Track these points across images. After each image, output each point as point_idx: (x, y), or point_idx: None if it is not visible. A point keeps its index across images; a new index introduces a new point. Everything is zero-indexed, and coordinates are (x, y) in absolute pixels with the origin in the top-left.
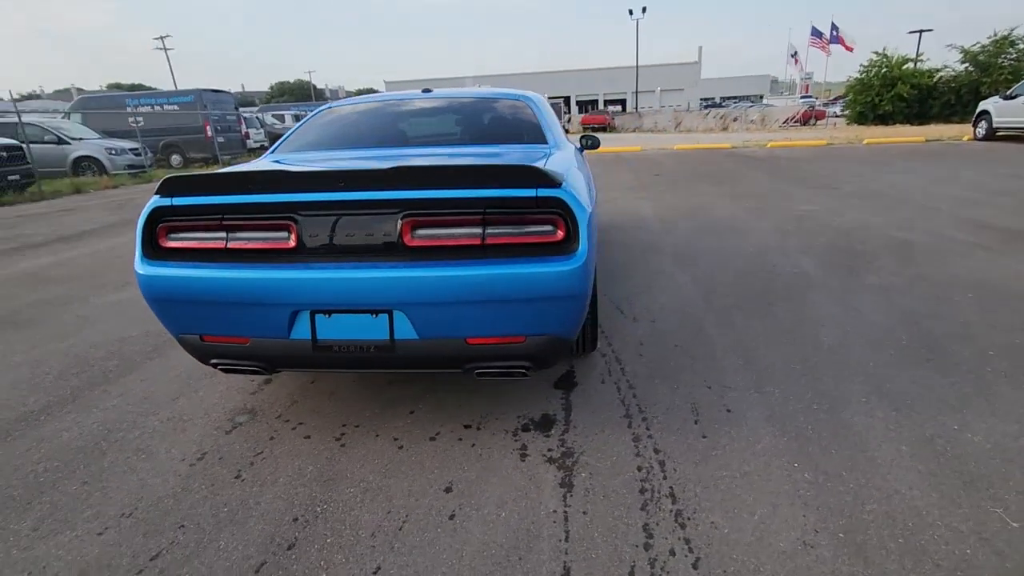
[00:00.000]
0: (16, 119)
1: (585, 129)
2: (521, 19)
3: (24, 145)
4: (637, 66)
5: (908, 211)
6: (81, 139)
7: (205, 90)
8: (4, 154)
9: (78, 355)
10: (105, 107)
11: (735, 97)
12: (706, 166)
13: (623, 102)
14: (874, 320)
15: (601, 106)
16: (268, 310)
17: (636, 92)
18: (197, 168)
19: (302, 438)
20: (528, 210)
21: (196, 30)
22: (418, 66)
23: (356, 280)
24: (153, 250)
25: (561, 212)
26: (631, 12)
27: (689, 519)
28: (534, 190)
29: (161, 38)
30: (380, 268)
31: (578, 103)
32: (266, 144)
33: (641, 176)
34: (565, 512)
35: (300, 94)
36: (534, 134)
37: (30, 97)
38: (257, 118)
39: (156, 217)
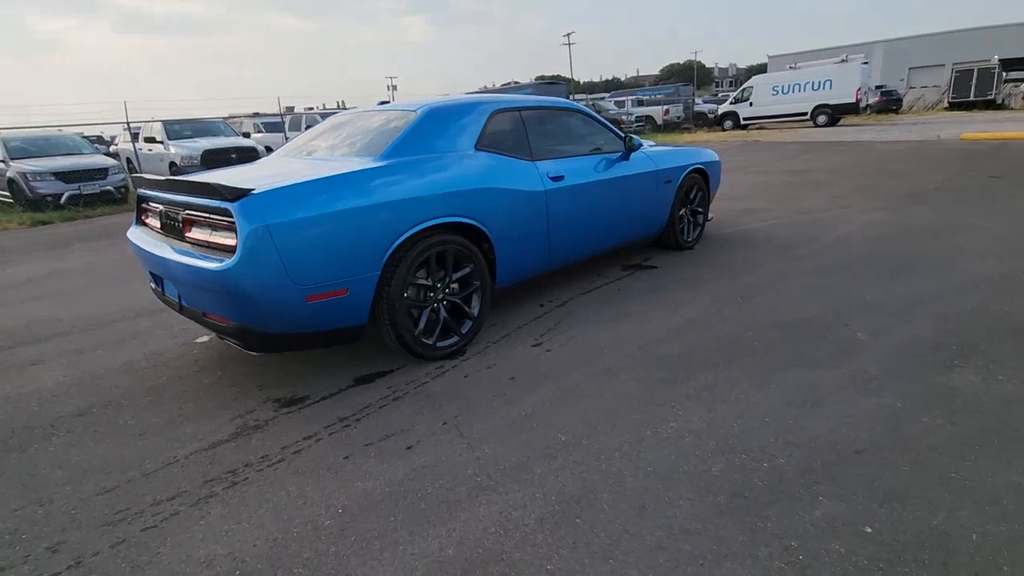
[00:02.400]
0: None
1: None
2: None
3: (256, 146)
4: None
5: None
6: None
7: (540, 83)
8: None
9: None
10: None
11: None
12: None
13: None
14: (826, 421)
15: None
16: (147, 269)
17: None
18: None
19: (194, 361)
20: (225, 218)
21: (600, 21)
22: (809, 35)
23: (162, 258)
24: (137, 222)
25: (235, 222)
26: None
27: (180, 514)
28: (221, 202)
29: (567, 35)
30: (169, 251)
31: None
32: None
33: (962, 178)
34: (168, 461)
35: (687, 75)
36: (375, 148)
37: (484, 91)
38: (593, 105)
39: (138, 200)
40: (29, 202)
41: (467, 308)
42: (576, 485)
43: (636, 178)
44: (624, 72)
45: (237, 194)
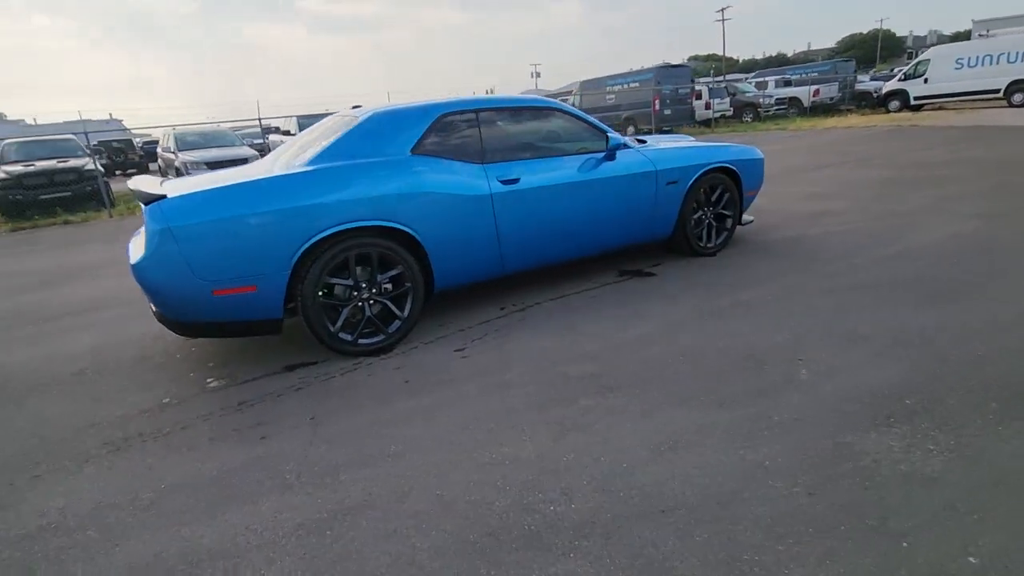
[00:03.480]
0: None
1: None
2: None
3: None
4: None
5: None
6: None
7: (663, 66)
8: None
9: None
10: (594, 89)
11: None
12: None
13: None
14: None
15: None
16: None
17: None
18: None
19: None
20: None
21: None
22: None
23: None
24: None
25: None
26: None
27: (62, 469)
28: (146, 206)
29: (721, 10)
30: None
31: None
32: (727, 114)
33: None
34: (93, 422)
35: (871, 47)
36: (311, 154)
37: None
38: (725, 88)
39: None
40: None
41: (395, 308)
42: (359, 498)
43: (621, 180)
44: (793, 47)
45: (149, 199)
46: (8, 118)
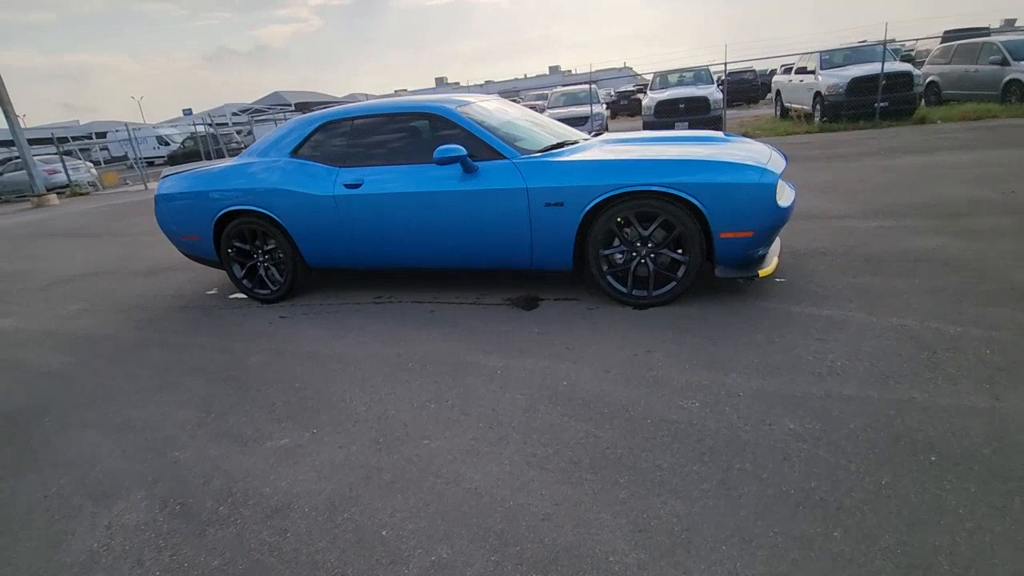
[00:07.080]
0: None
1: None
2: None
3: (912, 72)
4: None
5: None
6: None
7: None
8: (884, 82)
9: None
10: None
11: None
12: None
13: None
14: None
15: None
16: None
17: None
18: None
19: None
20: None
21: None
22: None
23: None
24: None
25: None
26: None
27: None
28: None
29: None
30: None
31: None
32: None
33: None
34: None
35: None
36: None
37: None
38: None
39: None
40: None
41: (276, 273)
42: None
43: (471, 194)
44: None
45: (163, 177)
46: (562, 69)
